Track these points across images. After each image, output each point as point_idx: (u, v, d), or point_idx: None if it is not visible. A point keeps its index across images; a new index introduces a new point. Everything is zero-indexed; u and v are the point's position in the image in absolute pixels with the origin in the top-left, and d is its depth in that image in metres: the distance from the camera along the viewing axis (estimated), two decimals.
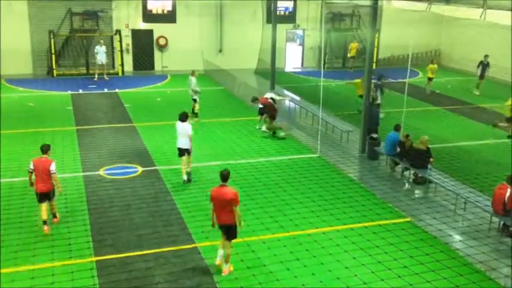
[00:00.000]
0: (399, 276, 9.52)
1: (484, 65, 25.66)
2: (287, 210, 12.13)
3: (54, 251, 10.08)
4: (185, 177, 13.60)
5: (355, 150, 16.79)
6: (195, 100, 19.97)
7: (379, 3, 17.38)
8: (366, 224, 11.55)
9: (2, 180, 13.43)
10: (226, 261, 9.42)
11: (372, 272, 9.64)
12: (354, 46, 31.51)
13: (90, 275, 9.26)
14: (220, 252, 9.48)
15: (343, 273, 9.57)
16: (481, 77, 25.84)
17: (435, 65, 25.59)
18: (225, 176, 9.18)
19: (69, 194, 12.70)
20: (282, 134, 17.94)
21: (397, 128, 15.06)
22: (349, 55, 31.91)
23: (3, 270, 9.32)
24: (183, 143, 13.39)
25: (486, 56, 25.76)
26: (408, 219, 11.87)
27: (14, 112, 20.48)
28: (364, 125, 16.36)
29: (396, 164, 14.91)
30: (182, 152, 13.46)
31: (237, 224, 9.22)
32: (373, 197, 13.12)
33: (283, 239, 10.79)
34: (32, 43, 28.13)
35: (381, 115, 18.73)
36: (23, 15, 27.52)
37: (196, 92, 19.82)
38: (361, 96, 20.18)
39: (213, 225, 9.50)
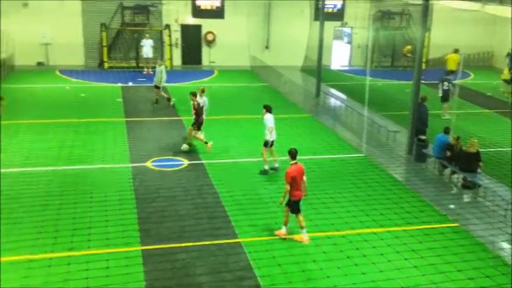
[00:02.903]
0: (452, 280, 9.35)
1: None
2: (323, 209, 12.04)
3: (109, 237, 10.38)
4: (276, 164, 14.26)
5: (402, 151, 16.52)
6: (160, 87, 20.89)
7: (430, 1, 17.02)
8: (418, 227, 11.32)
9: (56, 168, 13.93)
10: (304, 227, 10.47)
11: (407, 277, 9.45)
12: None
13: (134, 263, 9.47)
14: (286, 228, 10.54)
15: (395, 275, 9.42)
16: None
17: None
18: (295, 154, 10.37)
19: (119, 184, 13.04)
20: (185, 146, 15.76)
21: (446, 130, 14.73)
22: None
23: (60, 254, 9.65)
24: (274, 134, 14.08)
25: None
26: (456, 224, 11.60)
27: (67, 102, 21.21)
28: (412, 126, 16.07)
29: (444, 167, 14.59)
30: (273, 143, 14.14)
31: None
32: (418, 199, 12.88)
33: (319, 238, 10.67)
34: (84, 35, 28.93)
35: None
36: (76, 8, 28.33)
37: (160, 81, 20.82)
38: (451, 71, 23.77)
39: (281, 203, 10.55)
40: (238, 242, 10.38)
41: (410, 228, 11.28)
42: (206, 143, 15.59)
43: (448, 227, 11.43)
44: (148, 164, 14.52)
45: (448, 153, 14.23)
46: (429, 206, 12.46)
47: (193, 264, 9.54)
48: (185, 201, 12.20)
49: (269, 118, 13.92)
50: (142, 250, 9.90)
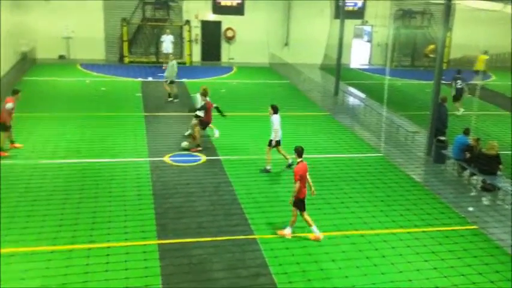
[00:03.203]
0: (473, 283, 9.25)
1: None
2: (341, 209, 12.01)
3: (127, 231, 10.46)
4: (290, 161, 14.13)
5: (421, 152, 16.39)
6: (173, 82, 21.37)
7: (452, 1, 16.84)
8: (438, 228, 11.23)
9: (75, 161, 14.11)
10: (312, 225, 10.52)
11: (427, 278, 9.35)
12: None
13: (150, 258, 9.51)
14: (291, 229, 10.52)
15: (414, 276, 9.36)
16: None
17: None
18: (301, 152, 10.44)
19: (137, 178, 13.14)
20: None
21: (466, 131, 14.58)
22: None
23: (82, 246, 9.78)
24: (280, 134, 13.96)
25: None
26: (474, 226, 11.48)
27: (88, 95, 21.45)
28: (432, 126, 15.93)
29: (463, 169, 14.44)
30: (278, 143, 14.01)
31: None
32: (438, 201, 12.77)
33: (336, 237, 10.66)
34: (106, 30, 29.22)
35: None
36: (97, 2, 28.61)
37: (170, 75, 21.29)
38: (476, 71, 25.65)
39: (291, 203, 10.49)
40: (255, 239, 10.39)
41: (430, 229, 11.18)
42: (198, 145, 15.52)
43: (467, 229, 11.31)
44: (166, 158, 14.61)
45: (468, 155, 14.09)
46: (448, 208, 12.35)
47: (210, 259, 9.57)
48: (202, 197, 12.25)
49: (275, 119, 13.82)
50: (158, 245, 9.97)
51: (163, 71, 26.80)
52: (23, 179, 12.72)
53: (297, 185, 10.18)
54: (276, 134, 13.83)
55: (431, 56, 30.55)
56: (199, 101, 15.77)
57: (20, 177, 12.85)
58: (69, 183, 12.68)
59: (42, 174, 13.15)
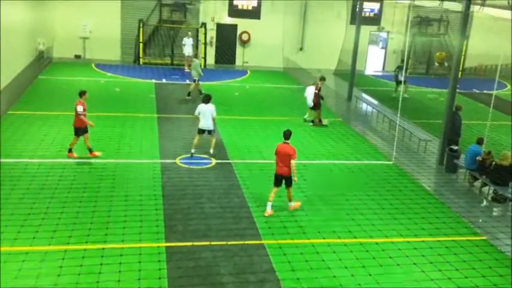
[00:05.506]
0: None
1: None
2: (356, 216, 11.98)
3: (125, 232, 10.48)
4: (212, 150, 15.11)
5: (433, 160, 16.27)
6: (195, 81, 21.98)
7: (471, 9, 16.71)
8: (438, 238, 11.18)
9: (86, 161, 14.22)
10: (291, 200, 11.87)
11: None
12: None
13: (158, 260, 9.53)
14: (270, 204, 11.60)
15: (410, 286, 9.33)
16: None
17: None
18: (287, 135, 11.52)
19: (146, 179, 13.21)
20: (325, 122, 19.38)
21: (479, 141, 14.46)
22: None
23: (76, 247, 9.81)
24: (208, 124, 14.89)
25: None
26: (484, 237, 11.38)
27: (101, 96, 21.55)
28: (445, 135, 15.81)
29: (475, 178, 14.31)
30: (204, 131, 15.01)
31: (293, 176, 11.46)
32: (448, 210, 12.67)
33: (350, 244, 10.67)
34: (122, 31, 29.41)
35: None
36: (115, 3, 28.81)
37: (199, 74, 21.88)
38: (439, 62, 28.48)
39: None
40: (262, 244, 10.39)
41: (432, 239, 11.13)
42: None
43: (481, 239, 11.24)
44: (177, 160, 14.66)
45: (479, 158, 13.98)
46: (458, 218, 12.26)
47: (217, 263, 9.58)
48: (211, 200, 12.27)
49: (200, 108, 14.94)
50: (165, 247, 10.00)
51: (177, 73, 27.08)
52: (40, 178, 12.82)
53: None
54: (200, 121, 14.95)
55: (442, 63, 30.41)
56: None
57: (37, 175, 12.96)
58: (73, 182, 12.76)
59: (58, 173, 13.22)
